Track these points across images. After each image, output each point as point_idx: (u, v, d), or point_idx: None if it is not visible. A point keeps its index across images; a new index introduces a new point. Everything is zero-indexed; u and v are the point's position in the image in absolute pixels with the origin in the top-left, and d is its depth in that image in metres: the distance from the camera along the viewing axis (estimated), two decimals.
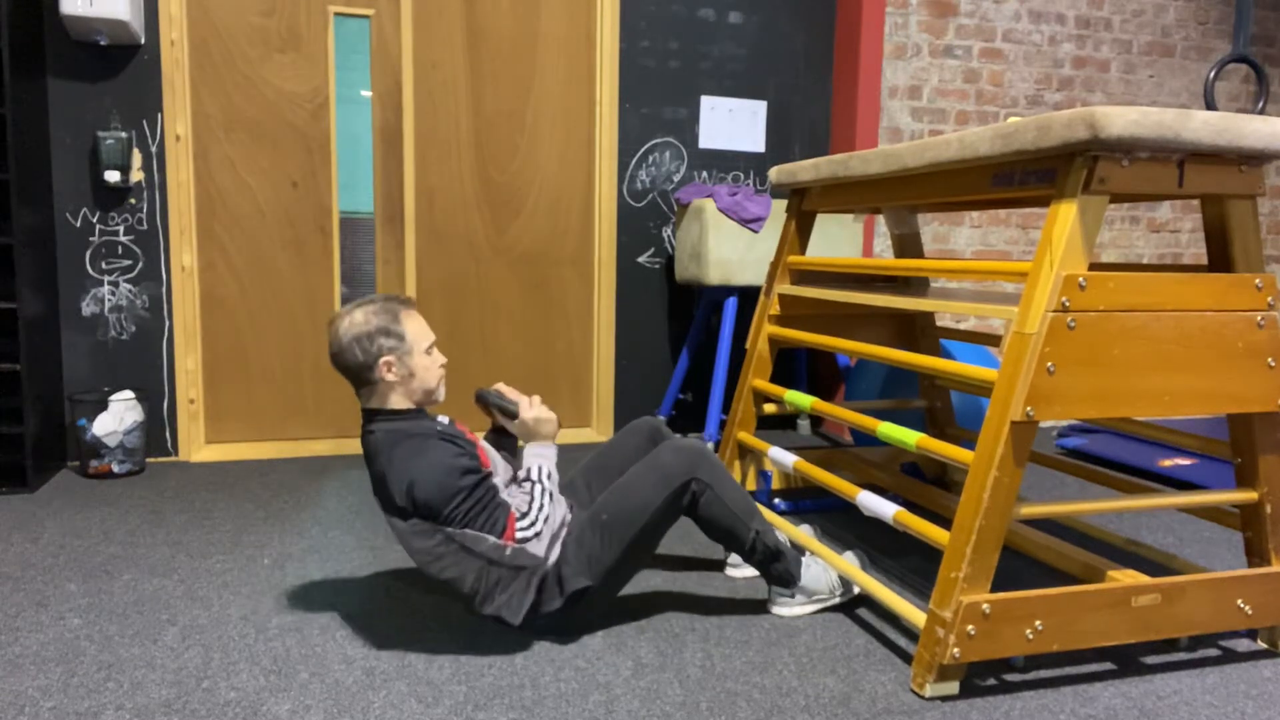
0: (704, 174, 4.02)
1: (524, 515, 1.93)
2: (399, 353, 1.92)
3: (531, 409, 2.09)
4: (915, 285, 2.84)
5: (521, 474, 2.04)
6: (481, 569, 1.93)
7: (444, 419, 2.06)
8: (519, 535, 1.92)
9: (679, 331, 4.09)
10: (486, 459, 2.03)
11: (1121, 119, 1.64)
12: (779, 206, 3.56)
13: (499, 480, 2.03)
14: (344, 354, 1.91)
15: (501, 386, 2.16)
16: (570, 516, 2.10)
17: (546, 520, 1.95)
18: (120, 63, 3.30)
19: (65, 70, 3.25)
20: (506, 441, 2.25)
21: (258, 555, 2.48)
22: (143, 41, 3.30)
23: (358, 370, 1.93)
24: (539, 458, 2.05)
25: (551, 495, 1.99)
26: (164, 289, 3.43)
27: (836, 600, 2.18)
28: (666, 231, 4.01)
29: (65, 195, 3.30)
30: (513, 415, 2.10)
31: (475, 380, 3.90)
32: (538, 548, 1.93)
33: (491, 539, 1.90)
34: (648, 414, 3.92)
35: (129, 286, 3.40)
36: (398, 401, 1.97)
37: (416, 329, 1.96)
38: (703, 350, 4.15)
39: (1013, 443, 1.74)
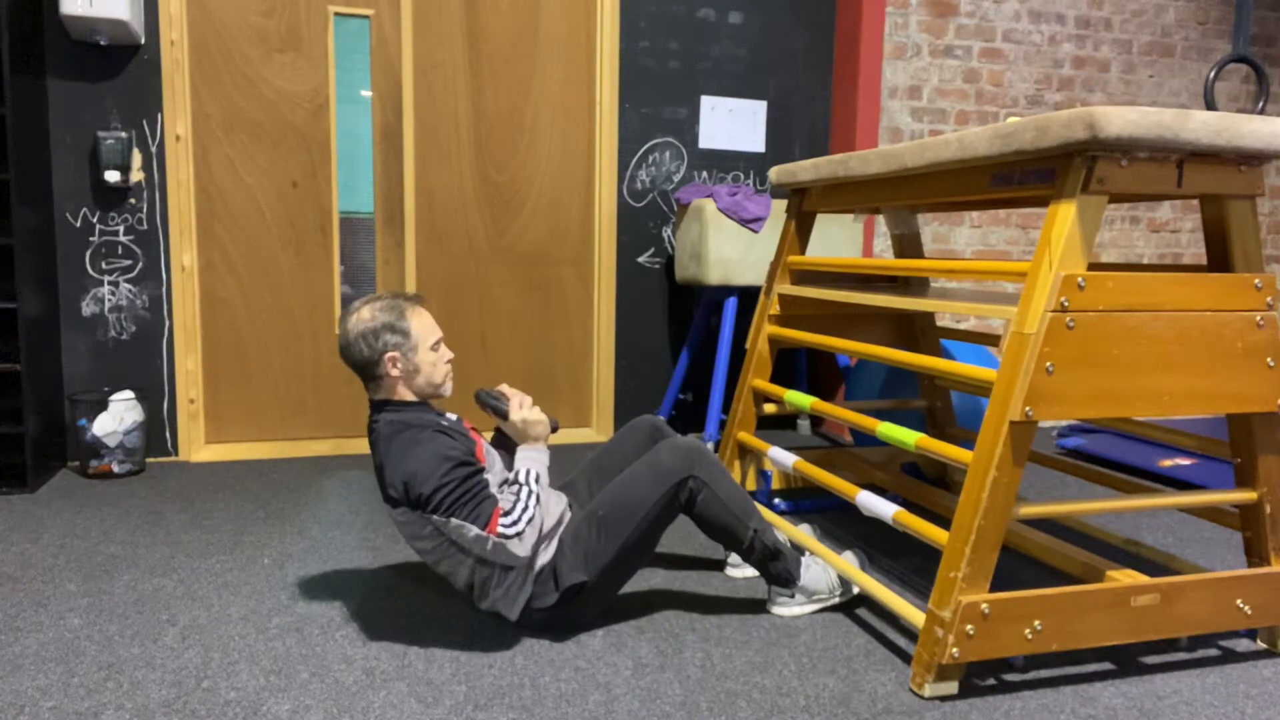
0: (704, 174, 4.02)
1: (507, 514, 1.91)
2: (403, 349, 1.96)
3: (521, 410, 2.08)
4: (915, 285, 2.85)
5: (510, 476, 2.03)
6: (473, 566, 1.93)
7: (452, 416, 2.08)
8: (500, 531, 1.89)
9: (679, 331, 4.09)
10: (483, 456, 2.03)
11: (1120, 119, 1.64)
12: (779, 206, 3.56)
13: (492, 477, 2.02)
14: (351, 349, 1.97)
15: (504, 387, 2.15)
16: (569, 514, 2.11)
17: (530, 522, 1.92)
18: (120, 63, 3.30)
19: (65, 70, 3.25)
20: (509, 442, 2.25)
21: (258, 555, 2.48)
22: (143, 41, 3.31)
23: (364, 365, 1.97)
24: (528, 460, 2.03)
25: (538, 498, 1.96)
26: (164, 289, 3.43)
27: (836, 600, 2.18)
28: (666, 231, 4.01)
29: (65, 195, 3.30)
30: (504, 415, 2.10)
31: (475, 380, 3.90)
32: (518, 548, 1.90)
33: (474, 530, 1.89)
34: (648, 414, 3.93)
35: (129, 286, 3.40)
36: (403, 395, 2.01)
37: (422, 325, 1.99)
38: (703, 350, 4.15)
39: (1012, 443, 1.74)
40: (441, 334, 2.04)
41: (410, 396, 2.01)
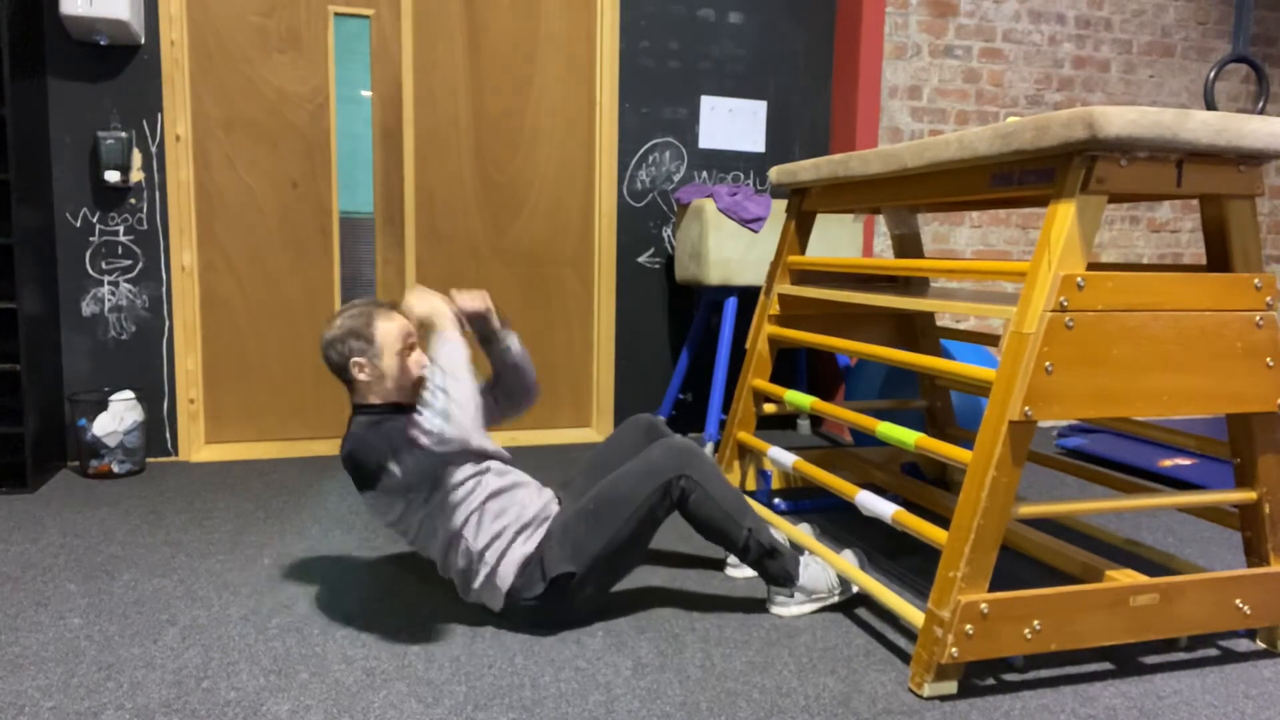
0: (704, 174, 4.02)
1: (421, 411, 1.89)
2: (368, 354, 2.03)
3: (417, 304, 2.05)
4: (915, 285, 2.85)
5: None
6: (445, 546, 2.00)
7: None
8: (423, 427, 1.87)
9: (679, 331, 4.09)
10: None
11: (1119, 119, 1.64)
12: (779, 206, 3.56)
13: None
14: (325, 356, 2.08)
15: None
16: (554, 508, 2.14)
17: (445, 408, 1.86)
18: (120, 63, 3.30)
19: (65, 70, 3.26)
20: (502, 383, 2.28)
21: (258, 555, 2.48)
22: (143, 41, 3.31)
23: (336, 371, 2.08)
24: (437, 354, 1.96)
25: (448, 375, 1.89)
26: (164, 289, 3.43)
27: (835, 599, 2.18)
28: (666, 231, 4.01)
29: (65, 195, 3.30)
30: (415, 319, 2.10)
31: None
32: (448, 429, 1.86)
33: (407, 457, 1.90)
34: (647, 413, 3.92)
35: (129, 286, 3.40)
36: (375, 399, 2.07)
37: (388, 332, 2.04)
38: (703, 350, 4.15)
39: (1011, 442, 1.75)
40: (413, 339, 2.07)
41: (382, 400, 2.07)
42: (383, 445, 1.93)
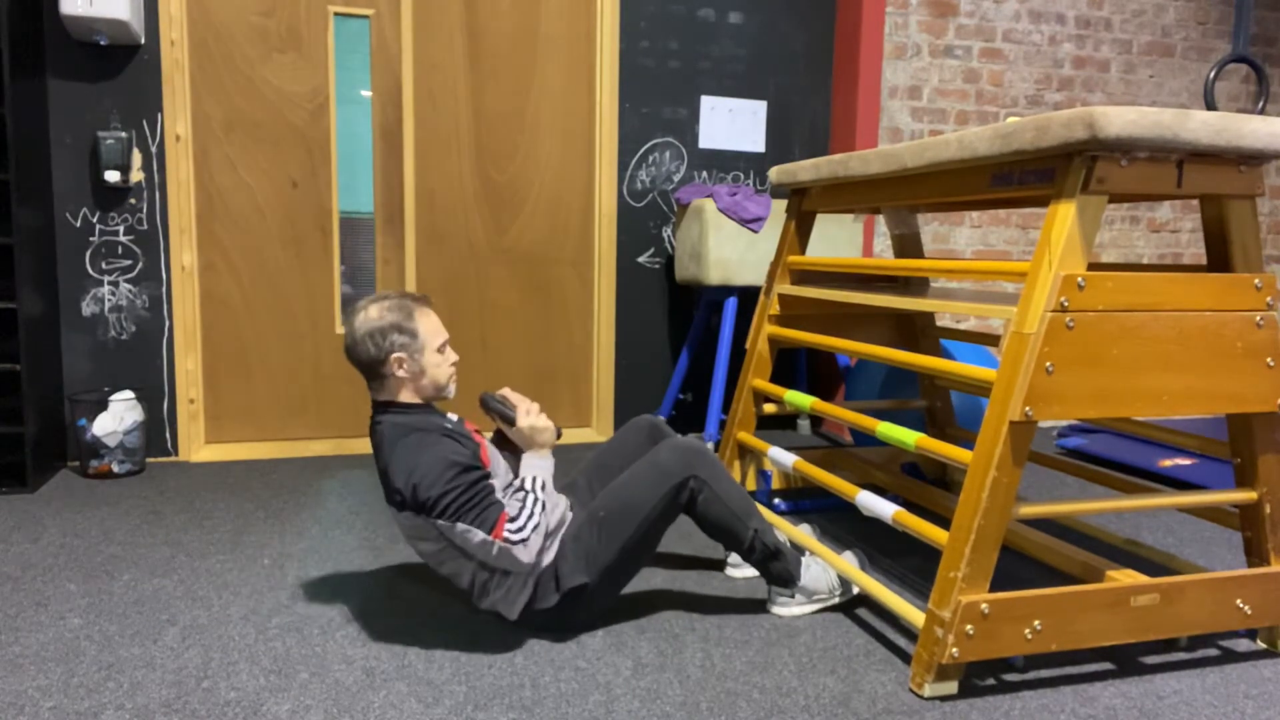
0: (704, 174, 4.02)
1: (513, 520, 1.91)
2: (410, 350, 1.96)
3: (528, 417, 2.08)
4: (915, 285, 2.85)
5: (516, 482, 2.02)
6: (475, 569, 1.93)
7: (453, 417, 2.08)
8: (506, 536, 1.89)
9: (679, 331, 4.09)
10: (488, 459, 2.03)
11: (1120, 119, 1.64)
12: (779, 206, 3.56)
13: (497, 482, 2.02)
14: (357, 347, 1.96)
15: (506, 391, 2.15)
16: (570, 516, 2.10)
17: (536, 529, 1.91)
18: (120, 63, 3.30)
19: (65, 70, 3.25)
20: (509, 444, 2.25)
21: (258, 555, 2.48)
22: (143, 41, 3.31)
23: (370, 364, 1.96)
24: (534, 468, 2.03)
25: (544, 506, 1.95)
26: (164, 289, 3.43)
27: (836, 600, 2.18)
28: (666, 231, 4.01)
29: (65, 195, 3.30)
30: (511, 421, 2.09)
31: (475, 381, 3.90)
32: (524, 554, 1.90)
33: (480, 535, 1.89)
34: (648, 414, 3.93)
35: (129, 286, 3.40)
36: (407, 396, 2.00)
37: (429, 327, 1.99)
38: (703, 350, 4.15)
39: (1011, 443, 1.75)
40: (447, 336, 2.04)
41: (414, 398, 2.01)
42: (461, 498, 1.89)
